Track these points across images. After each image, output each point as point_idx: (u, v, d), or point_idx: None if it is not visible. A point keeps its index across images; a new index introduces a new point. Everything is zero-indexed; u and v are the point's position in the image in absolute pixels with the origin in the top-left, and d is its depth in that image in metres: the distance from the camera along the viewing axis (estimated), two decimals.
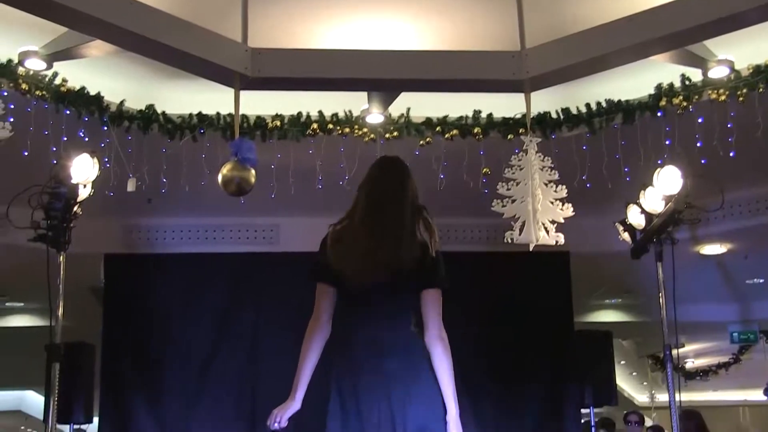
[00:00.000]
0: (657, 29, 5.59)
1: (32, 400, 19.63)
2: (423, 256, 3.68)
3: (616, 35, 5.71)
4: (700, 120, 6.44)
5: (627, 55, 5.88)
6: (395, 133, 6.83)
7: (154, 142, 6.79)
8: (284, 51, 6.03)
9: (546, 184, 6.26)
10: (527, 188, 6.26)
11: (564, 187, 6.28)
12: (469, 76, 6.17)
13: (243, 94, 6.33)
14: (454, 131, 6.92)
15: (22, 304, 11.26)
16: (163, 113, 6.76)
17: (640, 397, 20.77)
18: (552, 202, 6.27)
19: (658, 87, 6.56)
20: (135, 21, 5.36)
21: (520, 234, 6.28)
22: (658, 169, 5.68)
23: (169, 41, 5.53)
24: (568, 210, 6.28)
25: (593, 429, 8.53)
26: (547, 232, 6.23)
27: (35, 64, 6.02)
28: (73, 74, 6.32)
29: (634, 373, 18.79)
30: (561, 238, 6.25)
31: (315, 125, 6.84)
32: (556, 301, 9.13)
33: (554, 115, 6.92)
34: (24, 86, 6.00)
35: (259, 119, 6.85)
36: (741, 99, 6.19)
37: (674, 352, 5.72)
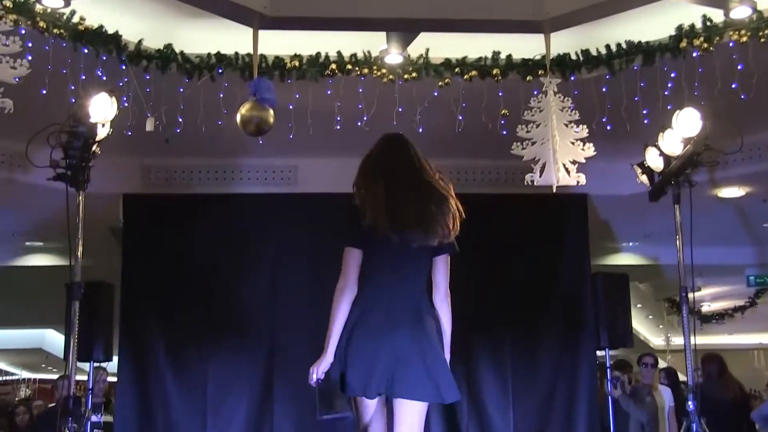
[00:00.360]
0: None
1: (53, 339, 19.89)
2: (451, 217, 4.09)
3: None
4: (720, 62, 6.38)
5: None
6: (414, 74, 6.79)
7: (173, 81, 6.78)
8: None
9: (566, 125, 6.25)
10: (547, 130, 6.25)
11: (584, 126, 6.27)
12: (488, 17, 6.14)
13: (262, 33, 6.32)
14: (473, 72, 6.87)
15: (41, 243, 11.34)
16: (182, 53, 6.73)
17: (656, 340, 20.86)
18: (572, 143, 6.26)
19: (679, 28, 6.49)
20: None
21: (540, 176, 6.28)
22: (677, 111, 5.64)
23: None
24: (590, 150, 6.27)
25: (608, 370, 8.57)
26: (568, 172, 6.23)
27: (53, 2, 5.99)
28: (90, 13, 6.29)
29: (650, 317, 18.85)
30: (582, 178, 6.25)
31: (334, 66, 6.80)
32: (573, 243, 9.14)
33: (574, 57, 6.86)
34: (42, 24, 5.98)
35: (278, 59, 6.81)
36: (762, 40, 6.12)
37: (690, 295, 5.74)
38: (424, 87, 6.82)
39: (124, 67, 6.54)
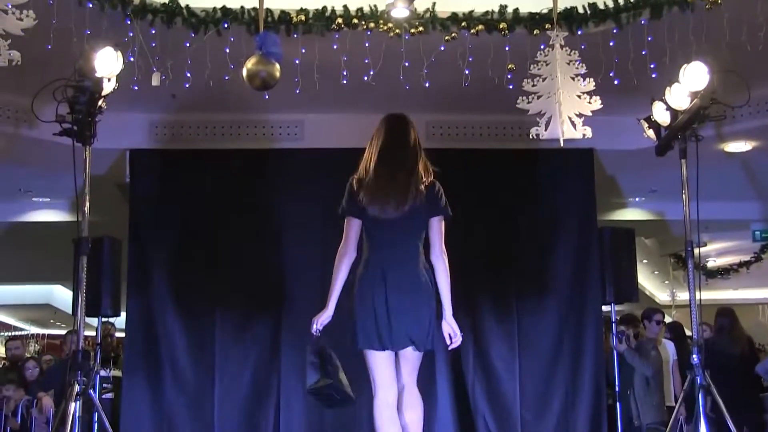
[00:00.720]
0: None
1: (61, 295, 19.97)
2: (426, 191, 4.79)
3: None
4: (728, 15, 6.34)
5: None
6: (420, 28, 6.75)
7: (178, 36, 6.76)
8: None
9: (572, 78, 6.22)
10: (553, 84, 6.23)
11: (591, 80, 6.25)
12: None
13: None
14: (480, 26, 6.84)
15: (48, 199, 11.36)
16: (187, 7, 6.69)
17: (662, 296, 20.87)
18: (579, 96, 6.23)
19: None
20: None
21: (546, 130, 6.27)
22: (685, 65, 5.61)
23: None
24: (596, 102, 6.26)
25: (614, 325, 8.60)
26: (574, 125, 6.21)
27: None
28: None
29: (656, 272, 18.86)
30: (588, 131, 6.24)
31: (340, 19, 6.77)
32: (579, 197, 9.11)
33: (581, 10, 6.82)
34: None
35: (284, 13, 6.78)
36: None
37: (696, 250, 5.74)
38: (430, 41, 6.79)
39: (129, 21, 6.52)
